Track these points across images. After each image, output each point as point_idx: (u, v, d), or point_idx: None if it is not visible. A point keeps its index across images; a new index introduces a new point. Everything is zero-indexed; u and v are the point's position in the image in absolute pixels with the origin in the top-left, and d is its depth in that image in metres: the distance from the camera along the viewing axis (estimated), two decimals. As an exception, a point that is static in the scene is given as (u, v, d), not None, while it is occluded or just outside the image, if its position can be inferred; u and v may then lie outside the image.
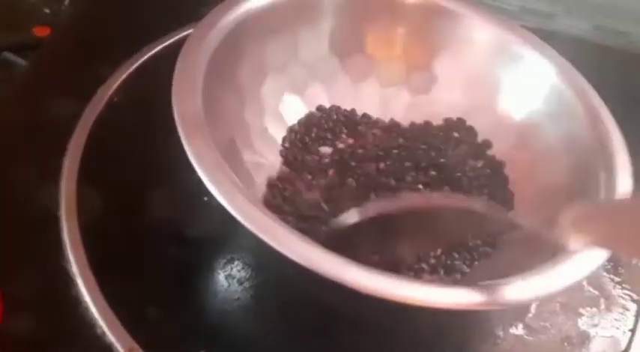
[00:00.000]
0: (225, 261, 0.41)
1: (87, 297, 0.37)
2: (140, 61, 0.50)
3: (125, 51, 0.51)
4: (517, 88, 0.46)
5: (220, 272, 0.40)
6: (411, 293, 0.30)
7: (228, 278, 0.40)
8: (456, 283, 0.37)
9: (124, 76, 0.48)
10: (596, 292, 0.44)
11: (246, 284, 0.40)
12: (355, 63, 0.48)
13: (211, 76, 0.37)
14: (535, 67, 0.45)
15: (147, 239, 0.41)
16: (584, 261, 0.33)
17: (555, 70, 0.44)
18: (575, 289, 0.44)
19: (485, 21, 0.47)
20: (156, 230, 0.41)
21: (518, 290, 0.32)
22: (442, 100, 0.49)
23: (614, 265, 0.46)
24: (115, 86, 0.48)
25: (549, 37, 0.47)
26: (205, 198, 0.41)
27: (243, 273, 0.40)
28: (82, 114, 0.45)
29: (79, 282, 0.38)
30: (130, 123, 0.45)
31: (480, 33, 0.47)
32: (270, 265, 0.40)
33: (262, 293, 0.40)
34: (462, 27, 0.47)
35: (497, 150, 0.47)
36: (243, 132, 0.42)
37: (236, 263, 0.41)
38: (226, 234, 0.41)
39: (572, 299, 0.44)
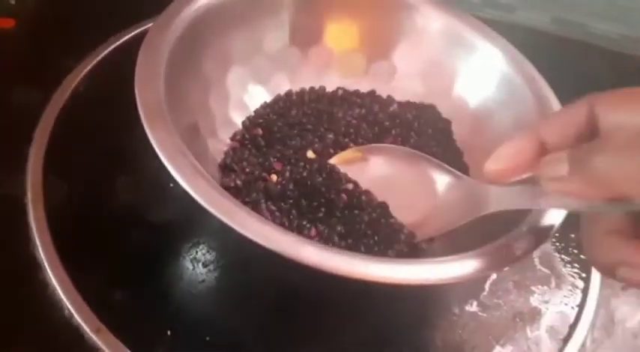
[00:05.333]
0: (189, 244, 0.42)
1: (54, 281, 0.38)
2: (105, 52, 0.51)
3: (90, 42, 0.52)
4: (471, 77, 0.48)
5: (185, 255, 0.41)
6: (365, 270, 0.31)
7: (193, 262, 0.41)
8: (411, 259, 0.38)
9: (89, 67, 0.49)
10: (548, 271, 0.47)
11: (211, 267, 0.41)
12: (316, 54, 0.50)
13: (174, 65, 0.38)
14: (487, 56, 0.47)
15: (113, 224, 0.42)
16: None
17: (505, 59, 0.46)
18: (527, 267, 0.46)
19: (440, 12, 0.48)
20: (121, 216, 0.42)
21: (468, 264, 0.33)
22: (403, 89, 0.50)
23: (564, 245, 0.48)
24: (80, 76, 0.49)
25: (509, 30, 0.49)
26: (171, 185, 0.42)
27: (207, 256, 0.42)
28: (47, 104, 0.46)
29: (46, 266, 0.39)
30: (95, 113, 0.46)
31: (435, 24, 0.48)
32: (232, 248, 0.41)
33: (226, 276, 0.41)
34: (418, 18, 0.49)
35: (456, 137, 0.49)
36: (208, 121, 0.43)
37: (200, 246, 0.42)
38: (190, 219, 0.43)
39: (524, 278, 0.46)
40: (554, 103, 0.43)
